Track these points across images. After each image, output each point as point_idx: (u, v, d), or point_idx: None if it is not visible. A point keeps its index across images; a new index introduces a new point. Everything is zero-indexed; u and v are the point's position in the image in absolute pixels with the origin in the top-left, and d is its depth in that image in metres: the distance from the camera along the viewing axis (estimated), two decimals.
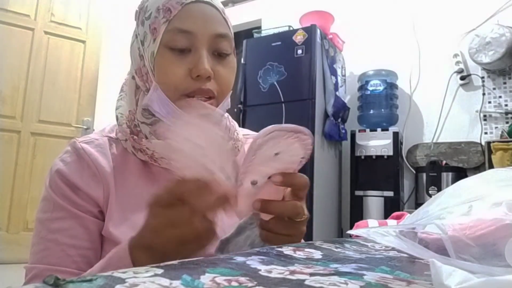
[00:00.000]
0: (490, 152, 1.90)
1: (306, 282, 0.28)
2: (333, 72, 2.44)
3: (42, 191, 0.60)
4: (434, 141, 2.41)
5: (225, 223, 0.48)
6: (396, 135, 2.27)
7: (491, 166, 1.88)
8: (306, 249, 0.43)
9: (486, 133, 2.24)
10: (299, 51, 2.32)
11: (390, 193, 2.22)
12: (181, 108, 0.58)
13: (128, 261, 0.44)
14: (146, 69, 0.60)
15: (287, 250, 0.42)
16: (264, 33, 2.66)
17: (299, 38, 2.35)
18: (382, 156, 2.28)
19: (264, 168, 0.44)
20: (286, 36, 2.42)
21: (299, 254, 0.41)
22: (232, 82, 0.64)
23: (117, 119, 0.65)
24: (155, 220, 0.42)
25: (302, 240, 0.52)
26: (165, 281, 0.26)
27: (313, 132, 2.21)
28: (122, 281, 0.25)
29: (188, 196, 0.40)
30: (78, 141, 0.62)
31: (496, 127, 2.22)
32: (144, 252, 0.44)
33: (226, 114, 0.69)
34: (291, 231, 0.46)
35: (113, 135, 0.64)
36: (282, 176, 0.44)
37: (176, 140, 0.41)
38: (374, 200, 2.26)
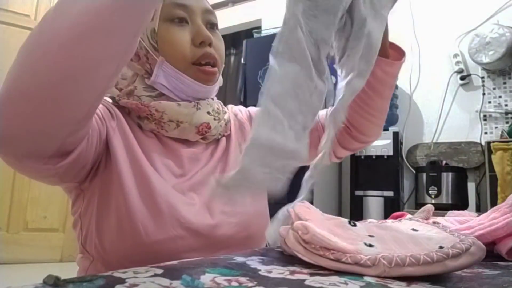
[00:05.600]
0: (490, 152, 1.90)
1: (306, 282, 0.29)
2: (333, 72, 2.43)
3: None
4: (434, 141, 2.40)
5: None
6: (396, 135, 2.27)
7: (491, 166, 1.88)
8: None
9: (486, 133, 2.24)
10: None
11: (390, 193, 2.22)
12: (192, 78, 0.61)
13: None
14: (145, 50, 0.61)
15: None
16: (264, 33, 2.65)
17: None
18: (382, 156, 2.28)
19: None
20: None
21: None
22: (224, 54, 0.67)
23: (113, 99, 0.65)
24: None
25: None
26: (165, 281, 0.26)
27: None
28: (122, 281, 0.25)
29: None
30: None
31: (496, 127, 2.22)
32: None
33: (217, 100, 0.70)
34: None
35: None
36: None
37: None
38: (374, 200, 2.25)
